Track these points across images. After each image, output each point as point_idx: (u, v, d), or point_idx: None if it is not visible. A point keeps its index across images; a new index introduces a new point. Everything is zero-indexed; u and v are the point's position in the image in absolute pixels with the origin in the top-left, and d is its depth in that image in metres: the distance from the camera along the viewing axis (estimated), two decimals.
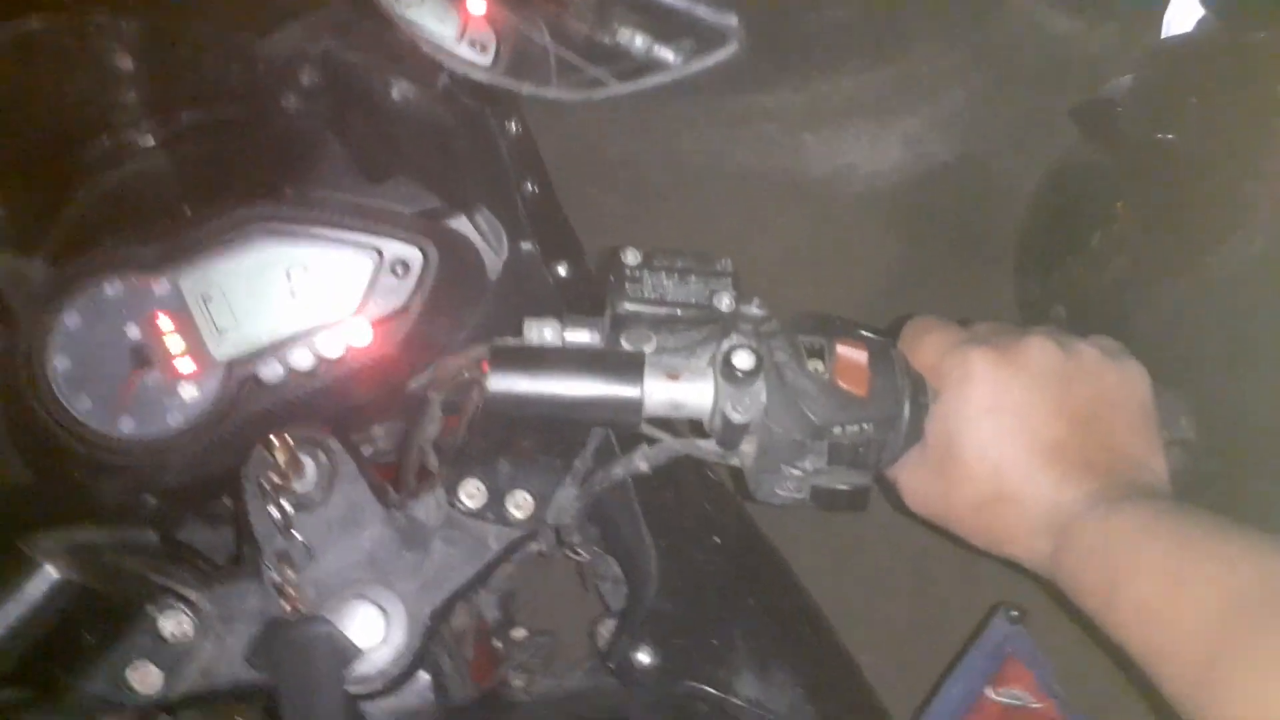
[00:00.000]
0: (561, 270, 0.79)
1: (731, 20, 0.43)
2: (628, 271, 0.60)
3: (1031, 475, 0.57)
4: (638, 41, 0.54)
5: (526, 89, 0.55)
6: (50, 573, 0.51)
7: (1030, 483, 0.57)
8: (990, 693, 0.77)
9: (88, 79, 0.71)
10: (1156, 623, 0.50)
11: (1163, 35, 1.25)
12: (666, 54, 0.54)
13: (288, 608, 0.55)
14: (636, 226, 1.93)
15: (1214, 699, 0.47)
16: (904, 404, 0.57)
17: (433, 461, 0.66)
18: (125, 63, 0.69)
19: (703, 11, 0.42)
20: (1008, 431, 0.57)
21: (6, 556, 0.52)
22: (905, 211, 1.87)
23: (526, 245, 0.78)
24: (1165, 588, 0.50)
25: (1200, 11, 1.17)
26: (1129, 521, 0.53)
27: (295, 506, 0.57)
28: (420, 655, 0.57)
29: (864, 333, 0.64)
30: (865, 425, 0.56)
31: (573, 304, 0.78)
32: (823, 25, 2.01)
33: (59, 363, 0.66)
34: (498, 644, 0.81)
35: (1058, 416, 0.57)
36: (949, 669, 0.81)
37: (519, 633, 0.82)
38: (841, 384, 0.56)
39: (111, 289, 0.69)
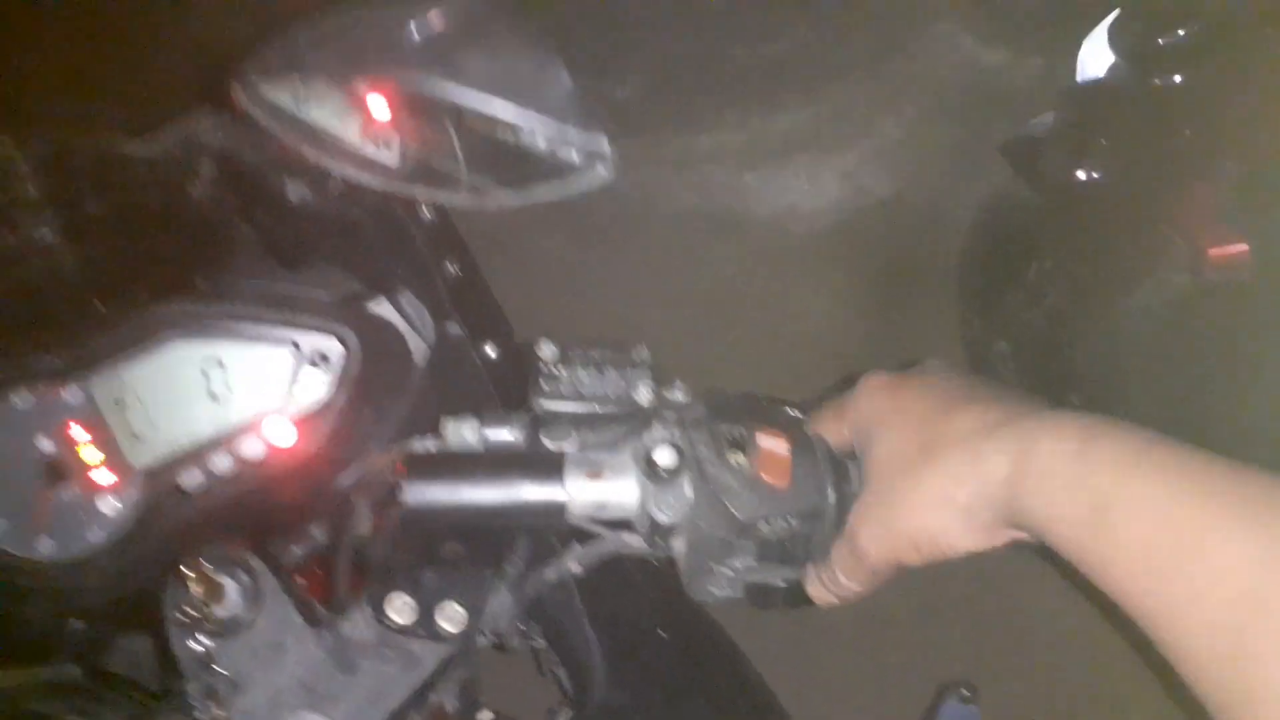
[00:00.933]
0: (490, 351, 0.78)
1: (603, 143, 0.42)
2: (544, 368, 0.59)
3: (951, 406, 0.54)
4: (541, 143, 0.54)
5: (422, 194, 0.54)
6: None
7: (953, 412, 0.53)
8: None
9: None
10: (1169, 568, 0.43)
11: (1076, 78, 1.28)
12: (570, 157, 0.53)
13: None
14: (577, 268, 1.93)
15: (1248, 660, 0.40)
16: (827, 493, 0.57)
17: (359, 572, 0.65)
18: (19, 163, 0.67)
19: (573, 137, 0.42)
20: (911, 396, 0.57)
21: None
22: (845, 249, 1.89)
23: (453, 328, 0.77)
24: (1178, 528, 0.43)
25: (1110, 55, 1.20)
26: (1115, 445, 0.47)
27: (219, 634, 0.55)
28: None
29: (790, 412, 0.63)
30: (790, 519, 0.56)
31: (502, 384, 0.77)
32: (757, 61, 2.03)
33: None
34: None
35: (952, 378, 0.58)
36: None
37: (485, 716, 0.80)
38: (764, 477, 0.56)
39: (20, 401, 0.67)
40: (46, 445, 0.66)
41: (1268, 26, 1.11)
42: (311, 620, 0.58)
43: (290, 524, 0.75)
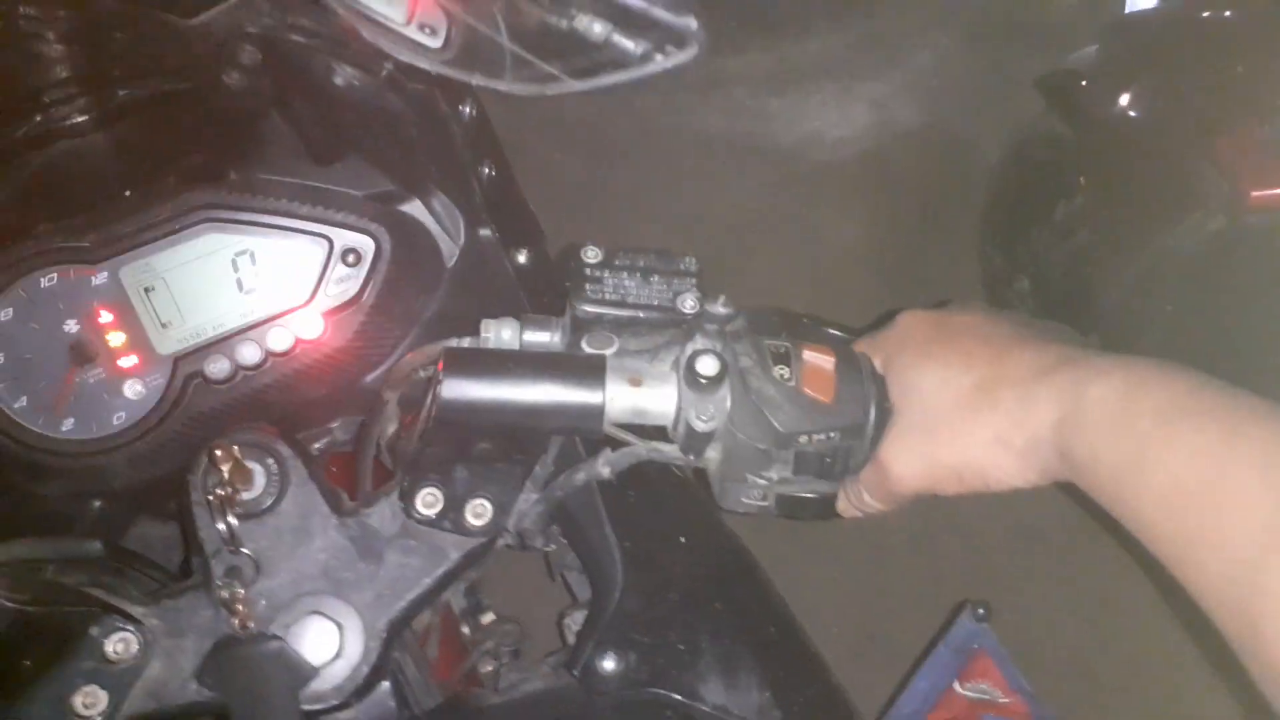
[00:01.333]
0: (521, 258, 0.77)
1: (692, 23, 0.40)
2: (588, 271, 0.58)
3: (1005, 348, 0.55)
4: (596, 29, 0.51)
5: (476, 80, 0.52)
6: None
7: (1007, 354, 0.54)
8: (958, 687, 0.77)
9: (14, 56, 0.67)
10: (1196, 507, 0.45)
11: (1125, 9, 1.24)
12: (626, 43, 0.51)
13: (238, 624, 0.53)
14: (597, 188, 1.90)
15: (1262, 594, 0.42)
16: (870, 411, 0.56)
17: (387, 464, 0.65)
18: (53, 40, 0.64)
19: (661, 13, 0.40)
20: (959, 334, 0.57)
21: None
22: (870, 179, 1.86)
23: (485, 232, 0.76)
24: (1208, 469, 0.44)
25: None
26: (1159, 393, 0.47)
27: (244, 517, 0.55)
28: (378, 668, 0.56)
29: (831, 331, 0.63)
30: (831, 434, 0.55)
31: (533, 292, 0.76)
32: None
33: None
34: (465, 630, 0.80)
35: (998, 318, 0.58)
36: (916, 664, 0.82)
37: (488, 617, 0.80)
38: (808, 391, 0.55)
39: (47, 281, 0.66)
40: (72, 327, 0.66)
41: None
42: (337, 508, 0.57)
43: (316, 418, 0.75)
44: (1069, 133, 1.39)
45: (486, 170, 0.73)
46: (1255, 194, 1.05)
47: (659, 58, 0.45)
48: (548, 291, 0.75)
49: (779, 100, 1.92)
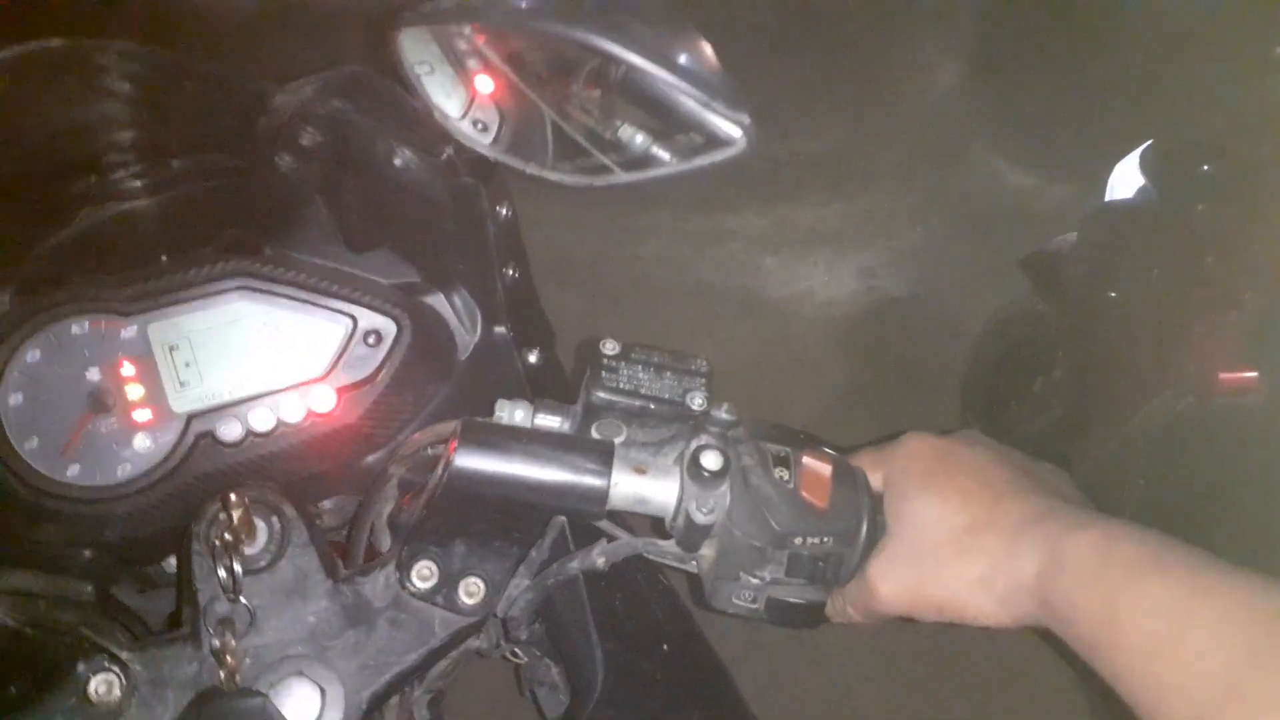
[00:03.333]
0: (532, 357, 0.80)
1: (745, 119, 0.45)
2: (605, 360, 0.61)
3: (1000, 493, 0.58)
4: (638, 139, 0.56)
5: (532, 169, 0.56)
6: None
7: (1002, 499, 0.58)
8: None
9: (86, 113, 0.71)
10: (1162, 658, 0.49)
11: (1106, 198, 1.34)
12: (664, 154, 0.56)
13: (224, 676, 0.53)
14: (594, 329, 1.96)
15: None
16: (863, 519, 0.58)
17: (384, 540, 0.65)
18: (128, 97, 0.68)
19: (718, 107, 0.44)
20: (961, 471, 0.60)
21: None
22: (857, 338, 1.93)
23: (500, 329, 0.79)
24: (1174, 623, 0.49)
25: (1140, 180, 1.26)
26: (1131, 550, 0.52)
27: (243, 570, 0.56)
28: None
29: (827, 449, 0.65)
30: (826, 538, 0.57)
31: (540, 392, 0.78)
32: (790, 156, 2.10)
33: (12, 398, 0.65)
34: None
35: (999, 459, 0.62)
36: None
37: None
38: (805, 495, 0.57)
39: (78, 328, 0.68)
40: (94, 375, 0.67)
41: None
42: (333, 574, 0.58)
43: (313, 493, 0.75)
44: (1049, 311, 1.46)
45: (511, 271, 0.77)
46: (1224, 376, 1.11)
47: (707, 154, 0.49)
48: (554, 392, 0.78)
49: (773, 259, 2.01)
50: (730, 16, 2.06)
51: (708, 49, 0.43)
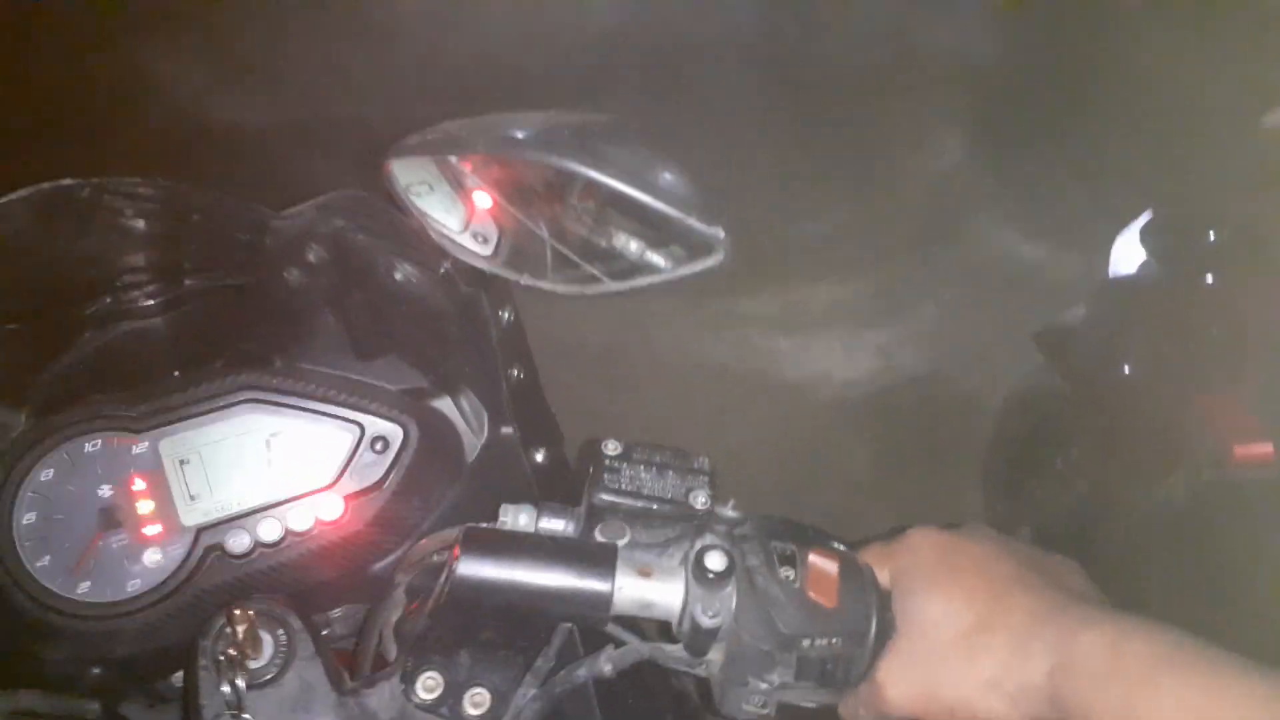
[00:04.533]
0: (539, 457, 0.80)
1: (720, 232, 0.46)
2: (607, 462, 0.61)
3: (1006, 590, 0.57)
4: (632, 246, 0.58)
5: (525, 280, 0.58)
6: None
7: (1007, 596, 0.57)
8: None
9: (101, 242, 0.73)
10: None
11: (1109, 272, 1.34)
12: (657, 259, 0.57)
13: None
14: (610, 417, 1.96)
15: None
16: (872, 618, 0.57)
17: (392, 648, 0.65)
18: (140, 227, 0.71)
19: (694, 222, 0.46)
20: (966, 567, 0.59)
21: None
22: (876, 418, 1.92)
23: (506, 430, 0.79)
24: None
25: (1143, 253, 1.26)
26: (1145, 648, 0.52)
27: (248, 684, 0.55)
28: None
29: (835, 544, 0.65)
30: (834, 639, 0.56)
31: (547, 491, 0.79)
32: (802, 237, 2.13)
33: (26, 517, 0.66)
34: None
35: (1005, 553, 0.60)
36: None
37: None
38: (811, 595, 0.57)
39: (91, 446, 0.69)
40: (106, 492, 0.68)
41: None
42: (338, 687, 0.58)
43: (322, 602, 0.75)
44: (1064, 387, 1.45)
45: (515, 372, 0.78)
46: (1239, 450, 1.10)
47: (689, 264, 0.50)
48: (561, 491, 0.78)
49: (788, 341, 2.02)
50: (729, 103, 2.10)
51: (681, 169, 0.45)
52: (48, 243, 0.66)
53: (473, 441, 0.79)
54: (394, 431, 0.73)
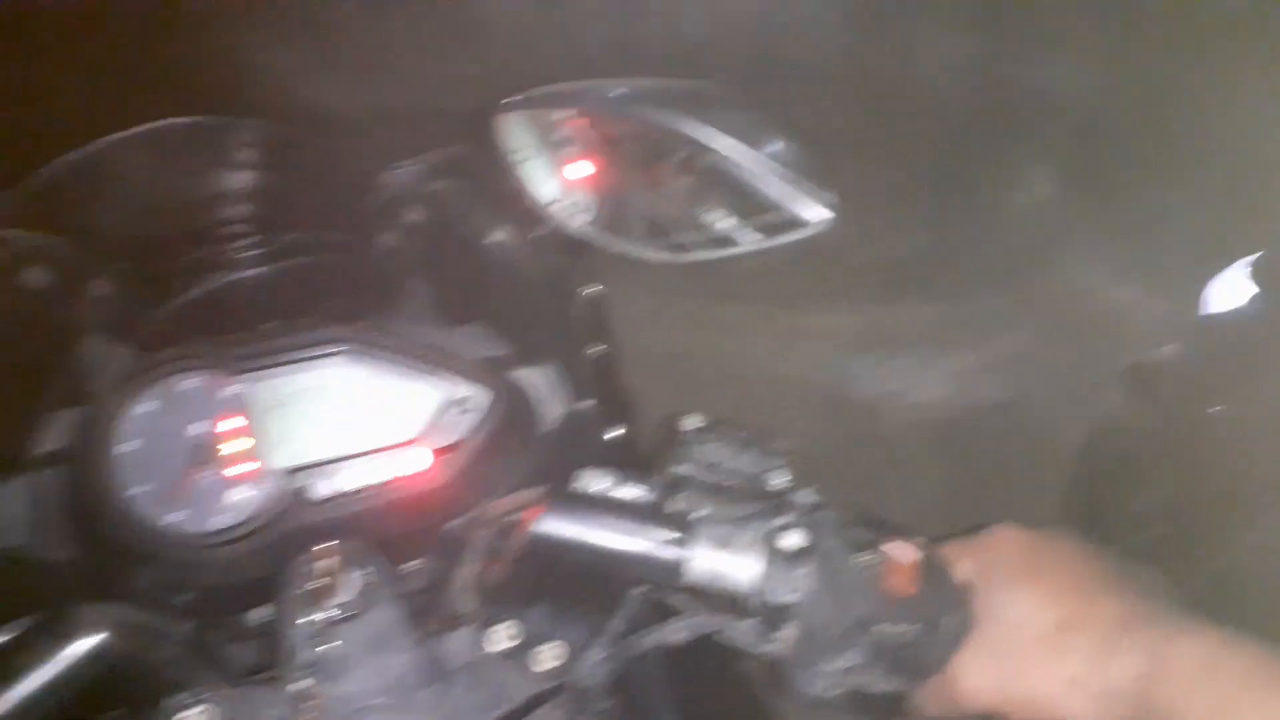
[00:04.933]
0: (614, 432, 0.81)
1: (832, 198, 0.46)
2: (687, 436, 0.61)
3: (1095, 591, 0.57)
4: (723, 220, 0.58)
5: (619, 246, 0.58)
6: (91, 639, 0.51)
7: (1096, 597, 0.57)
8: None
9: (208, 185, 0.76)
10: None
11: (1204, 311, 1.31)
12: (750, 235, 0.57)
13: None
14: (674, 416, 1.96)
15: None
16: (948, 610, 0.57)
17: (466, 603, 0.66)
18: (249, 170, 0.73)
19: (806, 187, 0.46)
20: (1053, 566, 0.59)
21: (54, 618, 0.52)
22: (950, 442, 1.88)
23: (584, 404, 0.81)
24: None
25: (1251, 290, 1.22)
26: (1242, 662, 0.52)
27: (332, 618, 0.57)
28: None
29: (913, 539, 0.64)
30: (908, 627, 0.55)
31: (619, 467, 0.79)
32: (879, 258, 2.10)
33: (126, 445, 0.68)
34: None
35: (1094, 556, 0.61)
36: None
37: None
38: (888, 582, 0.56)
39: (189, 384, 0.71)
40: (200, 429, 0.71)
41: None
42: (416, 630, 0.59)
43: (399, 551, 0.77)
44: (1149, 425, 1.42)
45: (597, 348, 0.79)
46: None
47: (788, 232, 0.50)
48: (634, 469, 0.79)
49: (861, 359, 1.99)
50: (815, 121, 2.10)
51: (788, 138, 0.45)
52: (158, 182, 0.69)
53: (551, 413, 0.80)
54: (478, 395, 0.74)
